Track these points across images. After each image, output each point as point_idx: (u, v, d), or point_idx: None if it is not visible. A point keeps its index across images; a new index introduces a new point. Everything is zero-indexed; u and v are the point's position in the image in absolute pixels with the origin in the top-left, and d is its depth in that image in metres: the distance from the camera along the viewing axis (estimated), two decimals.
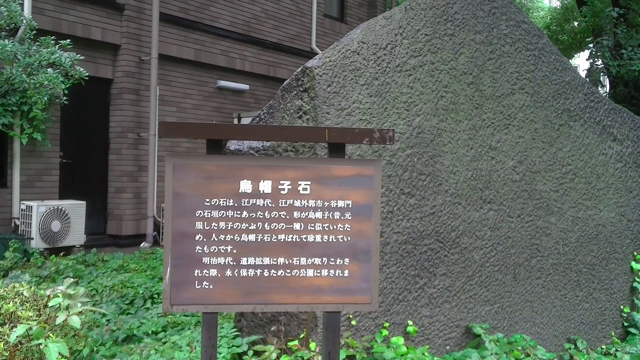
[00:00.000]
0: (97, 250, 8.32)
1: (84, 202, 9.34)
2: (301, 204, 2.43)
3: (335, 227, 2.45)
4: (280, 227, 2.42)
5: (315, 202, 2.44)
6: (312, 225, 2.44)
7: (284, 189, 2.43)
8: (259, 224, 2.41)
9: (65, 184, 9.78)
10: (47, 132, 9.26)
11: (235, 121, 11.95)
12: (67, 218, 8.94)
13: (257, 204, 2.41)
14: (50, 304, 2.93)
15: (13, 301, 3.04)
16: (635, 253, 5.54)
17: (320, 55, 3.49)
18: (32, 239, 8.55)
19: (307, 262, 2.44)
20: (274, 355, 3.21)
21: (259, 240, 2.41)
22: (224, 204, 2.39)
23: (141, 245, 10.08)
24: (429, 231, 3.92)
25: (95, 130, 10.25)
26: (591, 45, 13.76)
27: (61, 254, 7.90)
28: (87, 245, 9.29)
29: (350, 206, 2.46)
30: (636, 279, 5.53)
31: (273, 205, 2.42)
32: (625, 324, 5.43)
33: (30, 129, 8.78)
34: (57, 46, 8.47)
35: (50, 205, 8.79)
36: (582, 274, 5.04)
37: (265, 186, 2.42)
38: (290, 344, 3.32)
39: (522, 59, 4.63)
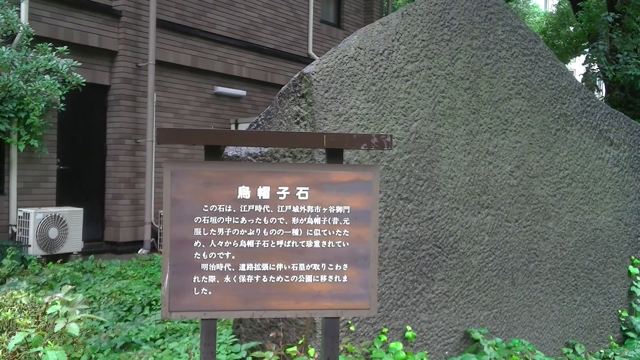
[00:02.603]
0: (94, 257, 8.31)
1: (82, 209, 9.33)
2: (300, 210, 2.43)
3: (333, 232, 2.45)
4: (278, 233, 2.42)
5: (313, 208, 2.44)
6: (311, 231, 2.44)
7: (282, 195, 2.43)
8: (257, 230, 2.41)
9: (62, 191, 9.77)
10: (44, 139, 9.26)
11: (233, 127, 11.96)
12: (65, 225, 8.92)
13: (255, 210, 2.41)
14: (48, 312, 2.92)
15: (11, 309, 3.03)
16: (632, 257, 5.55)
17: (318, 61, 3.50)
18: (30, 246, 8.53)
19: (305, 267, 2.44)
20: None
21: (257, 246, 2.41)
22: (223, 210, 2.38)
23: (139, 251, 10.07)
24: (427, 236, 3.92)
25: (93, 136, 10.25)
26: (587, 49, 13.80)
27: (59, 261, 7.88)
28: (85, 252, 9.27)
29: (348, 212, 2.46)
30: (634, 283, 5.53)
31: (271, 211, 2.42)
32: (624, 328, 5.43)
33: (27, 136, 8.78)
34: (54, 53, 8.48)
35: (48, 212, 8.77)
36: (580, 278, 5.04)
37: (264, 192, 2.42)
38: (289, 350, 3.31)
39: (519, 64, 4.65)
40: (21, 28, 8.40)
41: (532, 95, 4.71)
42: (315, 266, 2.44)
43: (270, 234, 2.41)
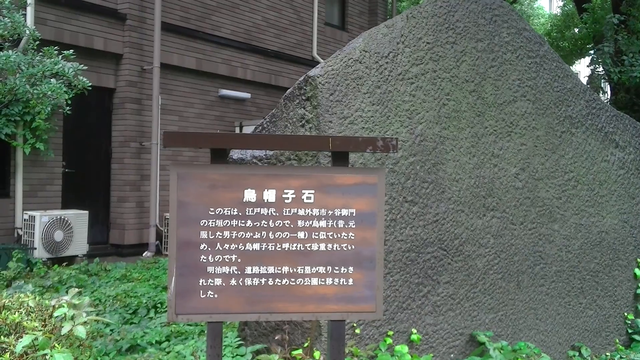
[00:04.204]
0: (99, 260, 8.33)
1: (87, 212, 9.36)
2: (305, 213, 2.44)
3: (339, 235, 2.46)
4: (284, 236, 2.42)
5: (319, 211, 2.45)
6: (316, 233, 2.44)
7: (288, 198, 2.43)
8: (263, 232, 2.41)
9: (67, 194, 9.80)
10: (50, 142, 9.29)
11: (237, 130, 11.98)
12: (70, 228, 8.95)
13: (261, 212, 2.41)
14: (55, 314, 2.93)
15: (18, 311, 3.04)
16: (638, 260, 5.53)
17: (323, 64, 3.51)
18: (35, 248, 8.56)
19: (311, 270, 2.44)
20: None
21: (263, 249, 2.41)
22: (229, 213, 2.39)
23: (144, 254, 10.09)
24: (432, 239, 3.92)
25: (98, 139, 10.28)
26: (592, 51, 13.79)
27: (64, 263, 7.90)
28: (90, 254, 9.30)
29: (354, 214, 2.47)
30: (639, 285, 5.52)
31: (277, 214, 2.42)
32: (630, 331, 5.41)
33: (33, 139, 8.81)
34: (60, 56, 8.51)
35: (53, 215, 8.80)
36: (585, 281, 5.03)
37: (270, 195, 2.42)
38: (295, 352, 3.32)
39: (524, 66, 4.64)
40: (27, 32, 8.43)
41: (537, 98, 4.70)
42: (321, 269, 2.45)
43: (276, 236, 2.42)
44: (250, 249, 2.40)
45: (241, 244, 2.39)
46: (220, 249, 2.38)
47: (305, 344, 3.40)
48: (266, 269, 2.41)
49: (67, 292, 3.57)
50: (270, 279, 2.41)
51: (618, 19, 11.99)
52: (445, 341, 3.98)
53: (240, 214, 2.39)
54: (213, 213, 2.38)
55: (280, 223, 2.42)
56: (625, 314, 5.40)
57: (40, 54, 8.54)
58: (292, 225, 2.43)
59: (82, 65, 8.70)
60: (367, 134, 3.60)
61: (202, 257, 2.37)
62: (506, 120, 4.45)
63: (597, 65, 12.52)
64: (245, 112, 12.51)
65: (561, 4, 21.21)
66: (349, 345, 3.41)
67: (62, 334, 2.83)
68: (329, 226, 2.45)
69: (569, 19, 18.65)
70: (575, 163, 4.95)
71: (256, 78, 12.57)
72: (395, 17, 3.94)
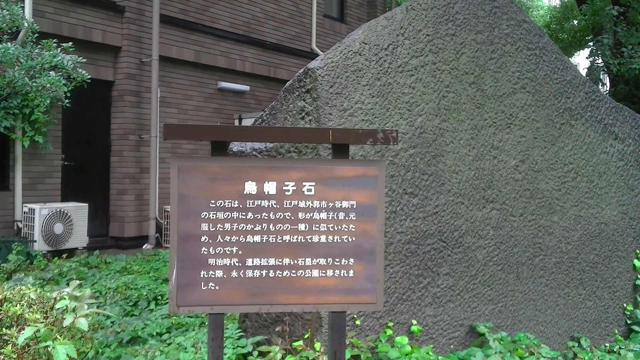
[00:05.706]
0: (99, 252, 8.35)
1: (86, 205, 9.36)
2: (306, 205, 2.44)
3: (339, 227, 2.46)
4: (285, 228, 2.43)
5: (319, 203, 2.45)
6: (317, 225, 2.45)
7: (288, 190, 2.44)
8: (264, 225, 2.42)
9: (67, 187, 9.81)
10: (49, 135, 9.29)
11: (236, 122, 11.98)
12: (70, 220, 8.96)
13: (262, 205, 2.42)
14: (57, 306, 2.94)
15: (20, 304, 3.05)
16: (637, 251, 5.55)
17: (322, 56, 3.50)
18: (35, 241, 8.57)
19: (312, 262, 2.45)
20: (279, 356, 3.22)
21: (264, 241, 2.42)
22: (229, 205, 2.40)
23: (144, 247, 10.10)
24: (432, 231, 3.93)
25: (97, 132, 10.27)
26: (591, 43, 13.77)
27: (64, 256, 7.92)
28: (90, 247, 9.31)
29: (354, 206, 2.47)
30: (639, 276, 5.54)
31: (278, 206, 2.43)
32: (629, 322, 5.44)
33: (32, 132, 8.81)
34: (58, 49, 8.49)
35: (53, 208, 8.81)
36: (585, 272, 5.05)
37: (270, 187, 2.43)
38: (295, 344, 3.33)
39: (524, 58, 4.64)
40: (26, 24, 8.41)
41: (537, 90, 4.70)
42: (322, 261, 2.45)
43: (277, 228, 2.42)
44: (251, 241, 2.41)
45: (242, 236, 2.40)
46: (221, 241, 2.39)
47: (306, 336, 3.42)
48: (267, 261, 2.42)
49: (67, 284, 3.59)
50: (271, 271, 2.42)
51: (617, 10, 11.97)
52: (445, 332, 4.00)
53: (240, 206, 2.40)
54: (214, 205, 2.38)
55: (280, 215, 2.43)
56: (625, 304, 5.43)
57: (39, 46, 8.52)
58: (292, 218, 2.43)
59: (80, 57, 8.68)
60: (366, 126, 3.60)
61: (203, 249, 2.38)
62: (506, 112, 4.46)
63: (596, 57, 12.51)
64: (244, 105, 12.50)
65: None
66: (349, 337, 3.42)
67: (64, 325, 2.85)
68: (330, 218, 2.46)
69: (568, 10, 18.61)
70: (574, 155, 4.96)
71: (255, 70, 12.55)
72: (394, 9, 3.93)
